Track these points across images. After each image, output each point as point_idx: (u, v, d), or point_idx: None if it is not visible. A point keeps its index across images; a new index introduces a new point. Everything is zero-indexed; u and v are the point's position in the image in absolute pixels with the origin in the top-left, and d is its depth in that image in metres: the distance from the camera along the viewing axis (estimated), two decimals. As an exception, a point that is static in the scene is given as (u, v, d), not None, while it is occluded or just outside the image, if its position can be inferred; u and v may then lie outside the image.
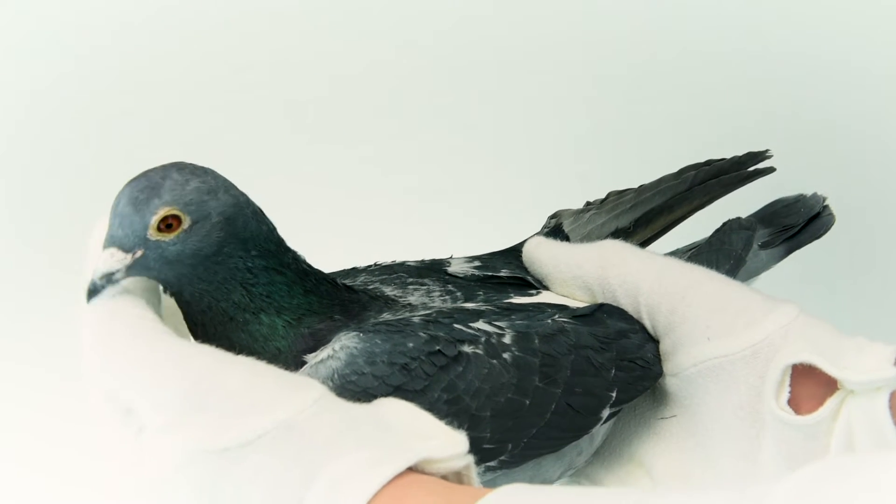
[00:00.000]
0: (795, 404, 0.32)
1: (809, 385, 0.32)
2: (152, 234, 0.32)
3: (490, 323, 0.35)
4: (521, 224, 0.44)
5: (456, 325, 0.34)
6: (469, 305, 0.37)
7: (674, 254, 0.43)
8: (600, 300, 0.37)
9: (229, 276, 0.33)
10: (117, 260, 0.32)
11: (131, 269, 0.32)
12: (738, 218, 0.44)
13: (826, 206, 0.46)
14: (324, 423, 0.26)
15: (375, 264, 0.41)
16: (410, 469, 0.26)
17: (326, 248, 0.58)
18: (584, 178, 0.65)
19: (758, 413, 0.33)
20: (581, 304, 0.38)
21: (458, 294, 0.38)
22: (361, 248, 0.44)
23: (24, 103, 0.67)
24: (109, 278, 0.32)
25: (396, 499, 0.24)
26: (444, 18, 0.69)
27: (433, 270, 0.40)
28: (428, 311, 0.35)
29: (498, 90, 0.69)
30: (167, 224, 0.32)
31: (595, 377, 0.35)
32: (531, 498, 0.25)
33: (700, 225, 0.44)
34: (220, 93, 0.66)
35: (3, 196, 0.66)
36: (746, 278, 0.44)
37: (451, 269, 0.40)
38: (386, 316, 0.35)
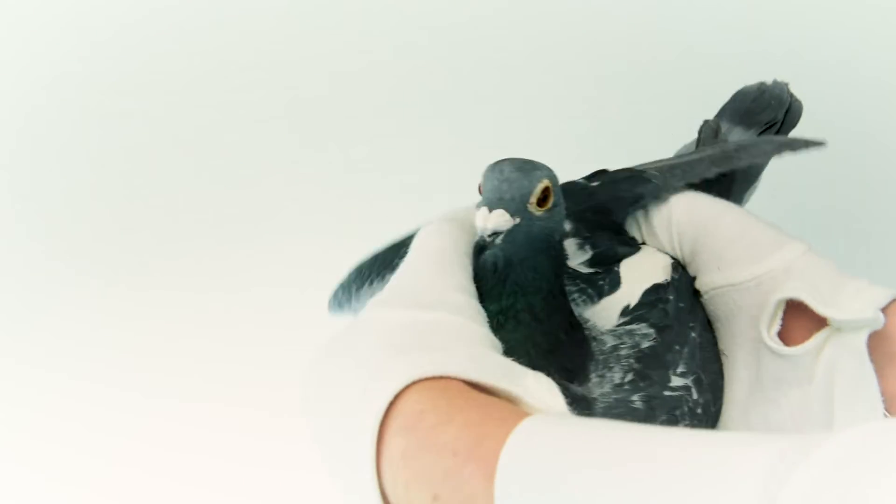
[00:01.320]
0: (788, 336, 0.34)
1: (803, 320, 0.34)
2: (531, 205, 0.33)
3: (680, 375, 0.35)
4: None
5: (665, 394, 0.35)
6: (639, 332, 0.36)
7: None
8: (645, 236, 0.40)
9: (547, 273, 0.34)
10: (505, 221, 0.32)
11: (506, 236, 0.33)
12: (706, 122, 0.46)
13: (791, 93, 0.47)
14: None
15: None
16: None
17: (325, 248, 0.58)
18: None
19: (756, 342, 0.35)
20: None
21: (591, 292, 0.38)
22: (361, 247, 0.44)
23: (24, 103, 0.67)
24: (496, 236, 0.32)
25: (434, 385, 0.27)
26: (444, 18, 0.69)
27: None
28: (625, 368, 0.35)
29: (498, 90, 0.69)
30: (543, 197, 0.33)
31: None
32: (561, 431, 0.25)
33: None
34: (220, 92, 0.67)
35: (3, 196, 0.66)
36: (755, 177, 0.45)
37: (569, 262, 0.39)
38: (604, 387, 0.35)
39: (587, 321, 0.36)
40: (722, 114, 0.47)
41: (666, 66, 0.67)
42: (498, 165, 0.34)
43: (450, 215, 0.36)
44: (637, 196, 0.39)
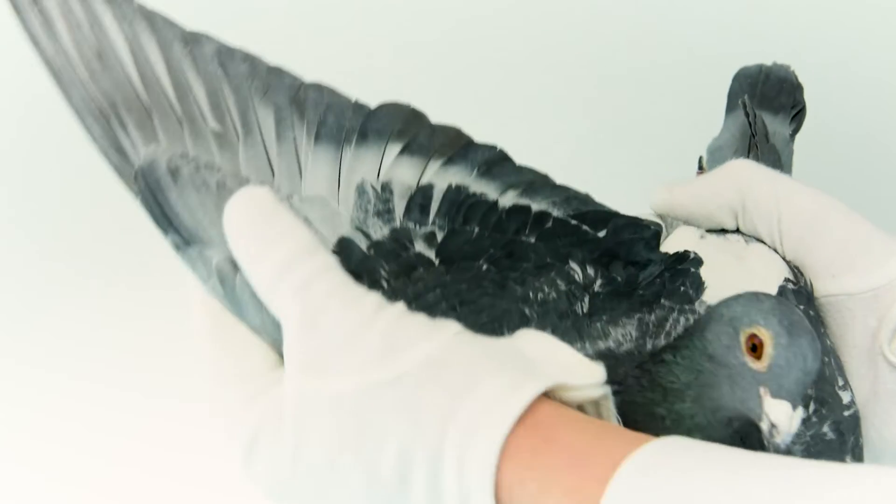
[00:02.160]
0: None
1: None
2: None
3: (842, 389, 0.33)
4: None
5: (845, 414, 0.32)
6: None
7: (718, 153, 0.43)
8: (741, 223, 0.37)
9: None
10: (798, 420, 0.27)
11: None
12: (753, 110, 0.44)
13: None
14: (464, 355, 0.26)
15: None
16: (549, 398, 0.26)
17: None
18: (584, 178, 0.65)
19: (874, 354, 0.33)
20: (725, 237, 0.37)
21: (686, 309, 0.33)
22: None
23: (23, 103, 0.67)
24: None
25: (543, 429, 0.25)
26: (444, 19, 0.69)
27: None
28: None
29: (498, 90, 0.69)
30: None
31: None
32: (700, 457, 0.24)
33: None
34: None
35: (3, 196, 0.66)
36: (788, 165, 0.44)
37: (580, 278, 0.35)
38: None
39: None
40: (738, 103, 0.45)
41: (666, 67, 0.67)
42: (800, 343, 0.28)
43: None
44: (638, 239, 0.35)
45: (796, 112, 0.46)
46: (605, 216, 0.35)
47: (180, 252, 0.32)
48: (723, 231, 0.38)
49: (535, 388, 0.25)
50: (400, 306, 0.27)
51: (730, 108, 0.47)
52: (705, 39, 0.66)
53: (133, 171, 0.33)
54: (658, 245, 0.35)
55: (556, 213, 0.34)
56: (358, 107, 0.34)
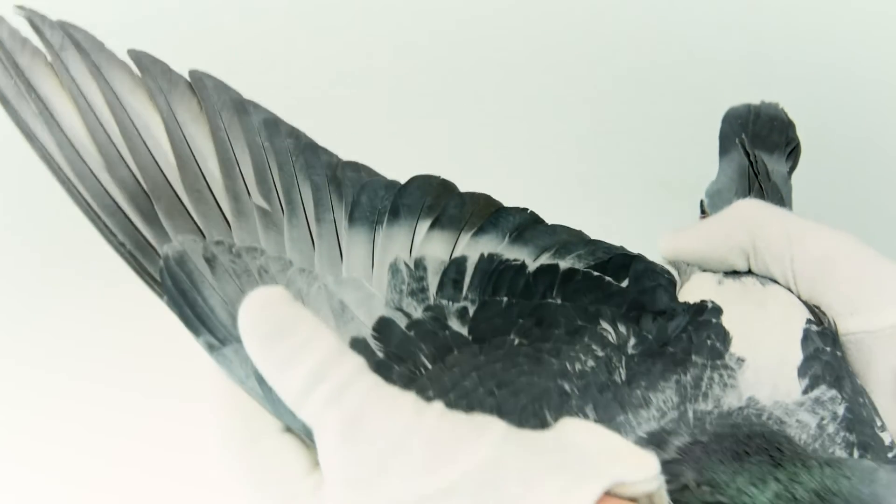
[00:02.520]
0: None
1: None
2: None
3: (881, 429, 0.32)
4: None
5: (890, 455, 0.31)
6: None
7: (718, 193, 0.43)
8: (752, 264, 0.36)
9: None
10: None
11: None
12: (754, 153, 0.43)
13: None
14: (515, 458, 0.25)
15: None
16: (606, 493, 0.25)
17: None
18: (584, 178, 0.65)
19: None
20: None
21: (721, 369, 0.32)
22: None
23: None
24: None
25: None
26: (444, 20, 0.69)
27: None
28: None
29: (498, 90, 0.69)
30: None
31: None
32: None
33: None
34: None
35: (2, 196, 0.66)
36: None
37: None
38: None
39: (754, 401, 0.30)
40: (735, 143, 0.45)
41: (666, 68, 0.67)
42: None
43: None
44: (658, 287, 0.34)
45: (791, 150, 0.45)
46: (623, 261, 0.34)
47: (214, 353, 0.30)
48: (736, 273, 0.37)
49: (594, 491, 0.24)
50: (439, 406, 0.26)
51: (724, 150, 0.47)
52: (706, 41, 0.66)
53: (157, 267, 0.30)
54: (675, 290, 0.34)
55: (580, 266, 0.34)
56: (391, 185, 0.33)
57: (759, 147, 0.44)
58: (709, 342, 0.32)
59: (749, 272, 0.37)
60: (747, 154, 0.43)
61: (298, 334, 0.26)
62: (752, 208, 0.37)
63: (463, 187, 0.35)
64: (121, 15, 0.68)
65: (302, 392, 0.25)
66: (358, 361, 0.26)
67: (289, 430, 0.30)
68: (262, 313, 0.26)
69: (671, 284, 0.34)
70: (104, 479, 0.56)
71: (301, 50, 0.68)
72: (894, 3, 0.64)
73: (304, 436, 0.28)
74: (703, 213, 0.47)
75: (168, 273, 0.30)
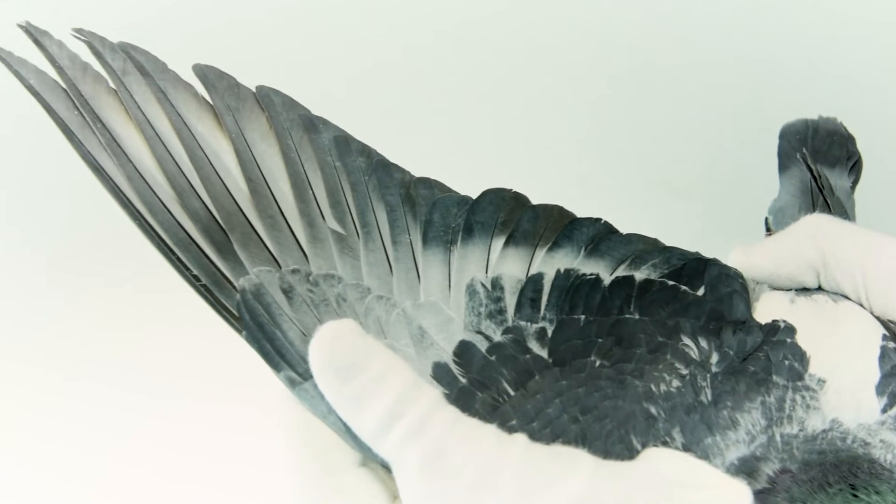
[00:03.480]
0: None
1: None
2: None
3: None
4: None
5: None
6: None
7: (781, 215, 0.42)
8: (823, 281, 0.35)
9: None
10: None
11: None
12: (816, 167, 0.42)
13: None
14: (607, 492, 0.25)
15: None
16: None
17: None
18: (583, 178, 0.65)
19: None
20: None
21: (803, 391, 0.31)
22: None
23: (21, 103, 0.67)
24: None
25: None
26: (444, 20, 0.69)
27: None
28: None
29: (498, 91, 0.69)
30: None
31: None
32: None
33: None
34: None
35: (2, 196, 0.66)
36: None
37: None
38: None
39: (837, 423, 0.29)
40: (797, 159, 0.44)
41: (666, 68, 0.67)
42: None
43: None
44: (734, 293, 0.33)
45: (853, 164, 0.45)
46: (697, 266, 0.33)
47: (296, 388, 0.29)
48: (806, 290, 0.36)
49: None
50: (523, 439, 0.26)
51: (783, 167, 0.46)
52: (706, 41, 0.66)
53: (234, 301, 0.29)
54: (749, 296, 0.33)
55: (654, 275, 0.33)
56: (463, 201, 0.33)
57: (821, 162, 0.43)
58: (786, 362, 0.31)
59: (819, 289, 0.36)
60: (810, 169, 0.43)
61: (372, 369, 0.25)
62: (820, 223, 0.36)
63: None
64: (120, 15, 0.68)
65: (380, 429, 0.25)
66: (435, 394, 0.25)
67: (365, 463, 0.29)
68: (333, 349, 0.25)
69: (745, 290, 0.33)
70: (104, 479, 0.56)
71: (300, 51, 0.68)
72: (895, 4, 0.64)
73: (384, 468, 0.28)
74: (769, 230, 0.46)
75: (246, 307, 0.29)
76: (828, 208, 0.42)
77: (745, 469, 0.28)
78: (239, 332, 0.29)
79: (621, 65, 0.68)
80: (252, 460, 0.55)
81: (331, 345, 0.25)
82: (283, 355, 0.29)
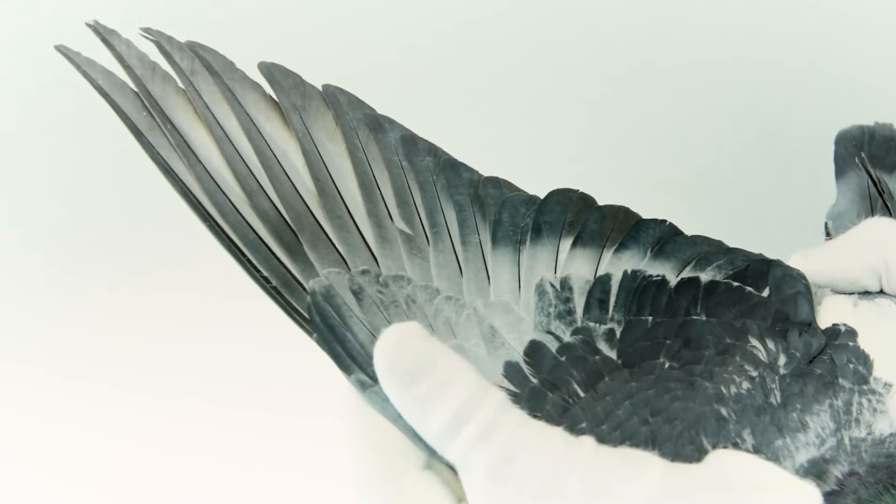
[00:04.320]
0: None
1: None
2: None
3: None
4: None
5: None
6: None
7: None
8: (885, 284, 0.35)
9: None
10: None
11: None
12: (874, 173, 0.42)
13: None
14: (677, 497, 0.25)
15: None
16: None
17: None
18: (584, 178, 0.65)
19: None
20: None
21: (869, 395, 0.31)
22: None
23: (21, 103, 0.67)
24: None
25: None
26: (445, 20, 0.69)
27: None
28: None
29: (498, 90, 0.69)
30: None
31: None
32: None
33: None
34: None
35: (2, 195, 0.66)
36: None
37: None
38: None
39: None
40: (854, 163, 0.44)
41: (666, 68, 0.67)
42: None
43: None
44: (798, 294, 0.33)
45: None
46: (761, 267, 0.33)
47: (367, 391, 0.29)
48: (868, 294, 0.36)
49: None
50: (591, 442, 0.26)
51: (840, 172, 0.46)
52: (706, 40, 0.66)
53: (305, 303, 0.29)
54: (812, 297, 0.34)
55: (720, 277, 0.33)
56: (531, 200, 0.33)
57: (878, 167, 0.44)
58: (850, 366, 0.31)
59: (881, 292, 0.36)
60: (869, 173, 0.43)
61: (438, 372, 0.25)
62: (881, 226, 0.36)
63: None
64: (120, 14, 0.68)
65: (446, 433, 0.25)
66: (501, 397, 0.25)
67: (430, 465, 0.29)
68: (398, 352, 0.25)
69: (809, 290, 0.33)
70: (105, 480, 0.56)
71: (302, 51, 0.68)
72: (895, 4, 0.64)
73: (450, 469, 0.28)
74: (828, 235, 0.46)
75: (317, 310, 0.29)
76: (888, 212, 0.42)
77: (815, 471, 0.28)
78: (310, 334, 0.29)
79: (621, 65, 0.68)
80: (253, 460, 0.55)
81: (396, 348, 0.25)
82: (353, 358, 0.29)
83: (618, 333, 0.31)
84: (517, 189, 0.33)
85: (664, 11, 0.67)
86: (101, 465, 0.56)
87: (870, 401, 0.30)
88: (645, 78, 0.68)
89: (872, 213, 0.43)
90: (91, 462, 0.56)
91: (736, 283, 0.33)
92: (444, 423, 0.25)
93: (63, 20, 0.70)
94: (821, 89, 0.64)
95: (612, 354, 0.30)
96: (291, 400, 0.56)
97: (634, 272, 0.32)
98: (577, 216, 0.33)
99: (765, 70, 0.66)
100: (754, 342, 0.31)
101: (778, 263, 0.34)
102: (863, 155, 0.44)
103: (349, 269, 0.30)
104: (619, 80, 0.68)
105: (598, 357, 0.30)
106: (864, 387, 0.30)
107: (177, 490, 0.55)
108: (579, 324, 0.31)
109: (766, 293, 0.33)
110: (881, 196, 0.43)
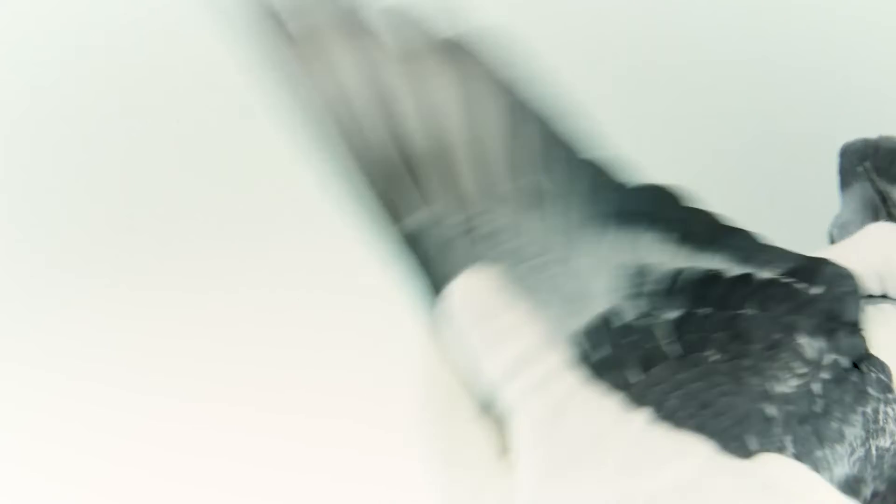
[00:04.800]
0: None
1: None
2: None
3: None
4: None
5: None
6: None
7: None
8: (887, 288, 0.35)
9: None
10: None
11: None
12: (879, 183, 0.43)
13: None
14: (719, 484, 0.25)
15: None
16: None
17: (329, 248, 0.58)
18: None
19: None
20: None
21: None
22: (364, 247, 0.44)
23: (21, 103, 0.67)
24: None
25: None
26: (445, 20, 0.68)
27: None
28: None
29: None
30: None
31: None
32: None
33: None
34: (221, 91, 0.66)
35: (2, 195, 0.66)
36: None
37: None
38: None
39: None
40: (859, 172, 0.45)
41: (667, 68, 0.67)
42: None
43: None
44: (848, 293, 0.34)
45: None
46: (812, 265, 0.34)
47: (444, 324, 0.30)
48: (871, 297, 0.36)
49: None
50: (644, 415, 0.26)
51: (844, 184, 0.46)
52: (706, 40, 0.66)
53: (403, 235, 0.32)
54: (859, 298, 0.34)
55: (773, 274, 0.34)
56: (619, 188, 0.35)
57: (883, 178, 0.44)
58: (873, 374, 0.31)
59: (884, 297, 0.36)
60: (872, 182, 0.44)
61: (511, 316, 0.26)
62: (883, 230, 0.37)
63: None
64: (121, 13, 0.68)
65: (508, 372, 0.26)
66: (567, 356, 0.27)
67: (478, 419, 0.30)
68: (479, 288, 0.27)
69: (857, 291, 0.34)
70: (105, 480, 0.56)
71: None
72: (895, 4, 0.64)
73: (498, 419, 0.29)
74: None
75: (412, 243, 0.31)
76: (892, 220, 0.42)
77: (849, 489, 0.28)
78: (399, 264, 0.31)
79: (621, 65, 0.68)
80: (253, 460, 0.55)
81: (477, 283, 0.27)
82: (438, 290, 0.30)
83: (675, 324, 0.32)
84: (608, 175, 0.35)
85: (664, 11, 0.67)
86: (101, 465, 0.56)
87: (894, 409, 0.30)
88: (645, 78, 0.68)
89: (877, 221, 0.43)
90: (91, 462, 0.56)
91: (786, 279, 0.33)
92: (506, 364, 0.26)
93: (63, 20, 0.70)
94: (821, 89, 0.64)
95: (668, 344, 0.31)
96: (292, 400, 0.56)
97: (697, 267, 0.33)
98: (663, 210, 0.34)
99: (765, 70, 0.66)
100: (802, 340, 0.32)
101: (829, 262, 0.34)
102: (867, 165, 0.44)
103: (448, 214, 0.32)
104: (620, 80, 0.68)
105: (654, 344, 0.31)
106: (889, 396, 0.31)
107: (177, 490, 0.55)
108: (644, 310, 0.32)
109: (816, 291, 0.33)
110: (884, 204, 0.43)
